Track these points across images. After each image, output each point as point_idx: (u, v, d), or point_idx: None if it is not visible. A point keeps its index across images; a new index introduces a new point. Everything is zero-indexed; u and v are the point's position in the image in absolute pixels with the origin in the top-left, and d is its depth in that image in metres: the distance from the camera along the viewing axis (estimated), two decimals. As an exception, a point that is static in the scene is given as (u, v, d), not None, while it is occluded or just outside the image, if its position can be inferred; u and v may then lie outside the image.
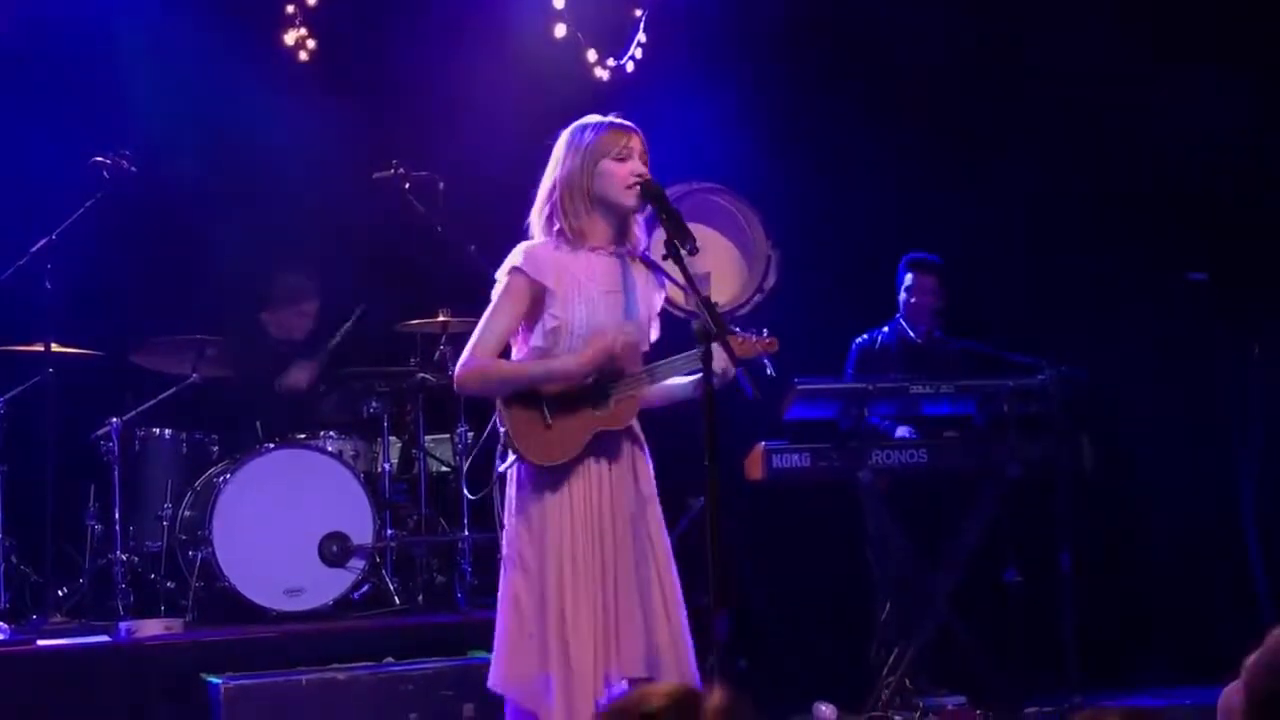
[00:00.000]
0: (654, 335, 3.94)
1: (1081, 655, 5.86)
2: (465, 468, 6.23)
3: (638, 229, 3.88)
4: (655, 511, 3.86)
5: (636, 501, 3.81)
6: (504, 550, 3.84)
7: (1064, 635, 5.86)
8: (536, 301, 3.78)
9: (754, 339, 3.83)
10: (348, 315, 6.72)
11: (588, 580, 3.71)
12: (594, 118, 3.87)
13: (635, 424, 3.89)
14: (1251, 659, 2.32)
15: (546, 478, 3.76)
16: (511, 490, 3.85)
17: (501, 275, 3.81)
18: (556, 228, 3.81)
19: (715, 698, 1.83)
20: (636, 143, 3.82)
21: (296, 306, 6.83)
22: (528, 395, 3.78)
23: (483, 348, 3.79)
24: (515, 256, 3.79)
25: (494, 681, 3.80)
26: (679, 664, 3.73)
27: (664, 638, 3.73)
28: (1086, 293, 7.16)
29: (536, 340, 3.80)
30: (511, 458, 3.80)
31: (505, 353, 3.87)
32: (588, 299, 3.77)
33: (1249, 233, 6.87)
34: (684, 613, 3.79)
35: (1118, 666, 6.38)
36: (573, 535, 3.72)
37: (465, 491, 5.73)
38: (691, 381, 3.83)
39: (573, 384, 3.76)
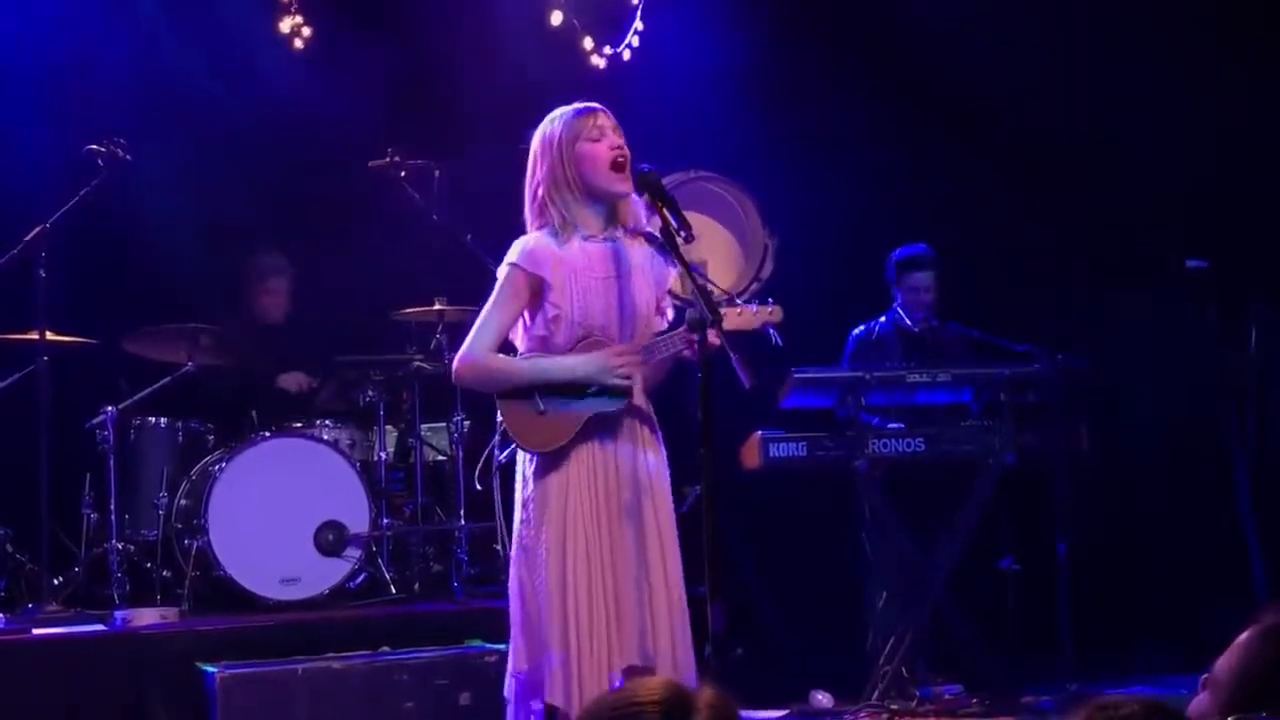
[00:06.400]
0: (669, 313, 3.95)
1: (1078, 643, 5.86)
2: (462, 456, 6.23)
3: (634, 205, 3.89)
4: (662, 493, 3.87)
5: (640, 483, 3.81)
6: (514, 538, 3.86)
7: (1060, 623, 5.87)
8: (535, 294, 3.82)
9: (756, 309, 3.84)
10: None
11: (593, 565, 3.73)
12: (559, 110, 3.89)
13: (644, 404, 3.90)
14: (1222, 670, 2.14)
15: (548, 464, 3.80)
16: (517, 480, 3.89)
17: (501, 271, 3.86)
18: (549, 222, 3.84)
19: (705, 694, 1.82)
20: (605, 120, 3.85)
21: (264, 285, 6.83)
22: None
23: (480, 342, 3.84)
24: (513, 252, 3.84)
25: (513, 668, 3.83)
26: (675, 652, 3.73)
27: (661, 625, 3.74)
28: (1084, 280, 7.15)
29: (538, 329, 3.86)
30: (511, 447, 3.82)
31: (506, 343, 3.90)
32: (585, 287, 3.81)
33: (1248, 220, 6.85)
34: (684, 600, 3.80)
35: (1114, 655, 6.38)
36: (577, 520, 3.74)
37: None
38: (671, 354, 3.83)
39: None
